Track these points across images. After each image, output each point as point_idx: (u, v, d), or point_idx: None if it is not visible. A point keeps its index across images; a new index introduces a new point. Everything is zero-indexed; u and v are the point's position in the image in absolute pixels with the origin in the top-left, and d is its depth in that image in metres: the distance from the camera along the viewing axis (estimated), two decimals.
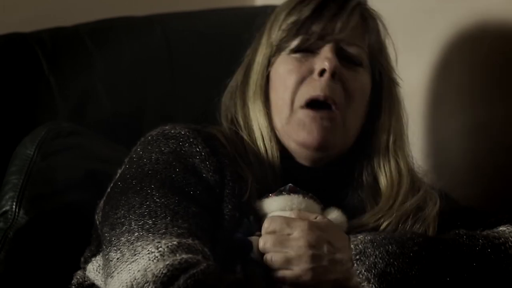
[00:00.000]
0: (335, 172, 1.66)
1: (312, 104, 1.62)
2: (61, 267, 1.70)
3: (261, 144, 1.65)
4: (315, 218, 1.51)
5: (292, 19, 1.65)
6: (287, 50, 1.65)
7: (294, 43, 1.64)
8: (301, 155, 1.64)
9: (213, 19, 2.16)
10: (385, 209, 1.61)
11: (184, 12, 2.15)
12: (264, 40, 1.69)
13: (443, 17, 1.98)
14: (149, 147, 1.58)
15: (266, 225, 1.50)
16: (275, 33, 1.67)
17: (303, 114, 1.62)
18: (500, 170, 1.94)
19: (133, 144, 1.66)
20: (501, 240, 1.55)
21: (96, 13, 2.06)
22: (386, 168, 1.66)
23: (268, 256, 1.47)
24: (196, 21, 2.13)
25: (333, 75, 1.61)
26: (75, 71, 1.95)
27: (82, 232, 1.70)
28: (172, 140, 1.58)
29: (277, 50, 1.66)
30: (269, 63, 1.67)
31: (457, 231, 1.55)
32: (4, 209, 1.75)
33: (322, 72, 1.61)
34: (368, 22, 1.68)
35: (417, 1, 2.06)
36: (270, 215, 1.54)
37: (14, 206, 1.74)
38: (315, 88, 1.61)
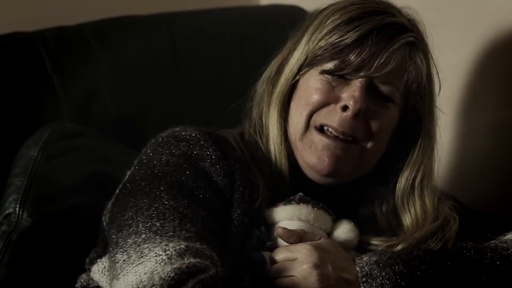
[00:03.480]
0: (346, 193, 1.63)
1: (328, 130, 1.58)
2: (64, 270, 1.69)
3: (273, 155, 1.62)
4: (319, 239, 1.49)
5: (333, 39, 1.57)
6: (320, 68, 1.58)
7: (328, 65, 1.57)
8: (311, 175, 1.60)
9: (218, 19, 2.15)
10: (403, 239, 1.58)
11: (189, 11, 2.14)
12: (302, 44, 1.62)
13: (464, 16, 1.97)
14: (160, 149, 1.57)
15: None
16: (313, 45, 1.59)
17: (317, 138, 1.57)
18: (493, 176, 1.94)
19: (137, 144, 1.65)
20: (509, 251, 1.53)
21: (100, 12, 2.05)
22: (410, 208, 1.61)
23: (276, 283, 1.45)
24: (201, 20, 2.12)
25: (357, 115, 1.55)
26: (79, 71, 1.94)
27: (86, 235, 1.69)
28: (183, 143, 1.56)
29: (310, 63, 1.60)
30: (299, 71, 1.61)
31: (464, 245, 1.52)
32: (7, 211, 1.74)
33: (345, 108, 1.56)
34: (414, 60, 1.60)
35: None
36: (278, 224, 1.52)
37: (17, 209, 1.73)
38: (333, 119, 1.56)
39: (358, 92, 1.55)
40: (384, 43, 1.56)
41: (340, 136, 1.56)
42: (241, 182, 1.54)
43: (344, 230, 1.55)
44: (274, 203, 1.55)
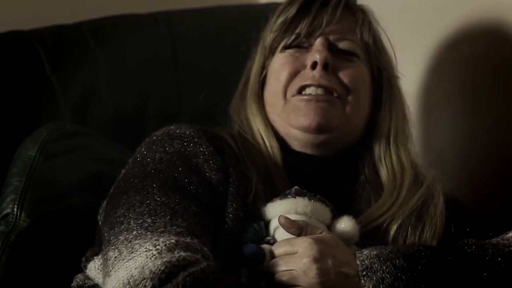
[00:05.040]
0: (339, 163, 1.65)
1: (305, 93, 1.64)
2: (62, 270, 1.68)
3: (260, 140, 1.66)
4: (320, 232, 1.48)
5: (280, 20, 1.70)
6: (279, 48, 1.69)
7: (284, 41, 1.69)
8: (303, 142, 1.65)
9: (218, 17, 2.15)
10: (390, 202, 1.61)
11: (188, 10, 2.13)
12: (260, 46, 1.74)
13: (461, 16, 1.97)
14: (154, 147, 1.57)
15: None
16: (268, 37, 1.72)
17: (297, 99, 1.64)
18: (494, 175, 1.92)
19: (137, 144, 1.64)
20: (511, 248, 1.51)
21: (99, 11, 2.04)
22: (387, 161, 1.67)
23: (276, 277, 1.43)
24: (200, 18, 2.12)
25: (326, 66, 1.64)
26: (77, 70, 1.93)
27: (84, 235, 1.68)
28: (177, 140, 1.57)
29: (270, 51, 1.71)
30: (264, 66, 1.72)
31: (465, 241, 1.51)
32: (5, 212, 1.73)
33: (314, 65, 1.64)
34: (357, 15, 1.71)
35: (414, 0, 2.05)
36: (275, 219, 1.51)
37: (15, 209, 1.72)
38: (307, 79, 1.64)
39: (320, 46, 1.65)
40: (324, 3, 1.69)
41: (319, 92, 1.63)
42: (236, 176, 1.55)
43: (344, 226, 1.53)
44: (271, 196, 1.55)
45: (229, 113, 1.76)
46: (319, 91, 1.63)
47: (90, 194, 1.74)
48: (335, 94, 1.64)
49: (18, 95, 1.85)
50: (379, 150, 1.68)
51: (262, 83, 1.72)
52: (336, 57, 1.66)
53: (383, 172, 1.66)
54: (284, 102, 1.66)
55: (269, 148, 1.64)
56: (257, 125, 1.68)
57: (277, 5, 2.03)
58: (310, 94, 1.63)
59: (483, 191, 1.93)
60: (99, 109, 1.93)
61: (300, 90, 1.65)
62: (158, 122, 1.88)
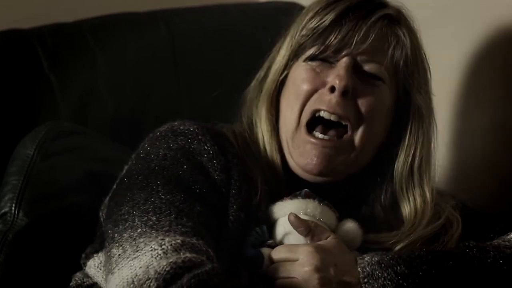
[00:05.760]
0: (343, 189, 1.61)
1: (319, 122, 1.58)
2: (61, 269, 1.67)
3: (262, 149, 1.62)
4: (327, 237, 1.47)
5: (312, 24, 1.60)
6: (303, 57, 1.61)
7: (311, 51, 1.60)
8: (303, 175, 1.60)
9: (217, 16, 2.14)
10: (405, 234, 1.57)
11: (188, 8, 2.12)
12: (287, 41, 1.65)
13: (462, 14, 1.96)
14: (157, 143, 1.56)
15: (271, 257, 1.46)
16: (296, 37, 1.62)
17: (305, 140, 1.58)
18: (495, 175, 1.91)
19: (136, 144, 1.63)
20: None
21: (98, 10, 2.03)
22: (410, 195, 1.61)
23: (277, 283, 1.43)
24: (200, 17, 2.11)
25: (344, 93, 1.56)
26: (76, 69, 1.92)
27: (82, 234, 1.68)
28: (181, 137, 1.56)
29: (295, 55, 1.62)
30: (286, 66, 1.64)
31: (466, 244, 1.50)
32: (3, 210, 1.73)
33: (333, 89, 1.56)
34: (396, 33, 1.61)
35: None
36: (283, 218, 1.50)
37: (13, 208, 1.72)
38: (323, 102, 1.57)
39: (343, 70, 1.56)
40: (361, 19, 1.58)
41: (332, 118, 1.56)
42: (238, 177, 1.53)
43: (348, 230, 1.53)
44: (272, 200, 1.53)
45: (230, 112, 1.71)
46: (333, 117, 1.56)
47: (89, 193, 1.74)
48: (347, 123, 1.57)
49: (16, 94, 1.84)
50: (401, 179, 1.61)
51: (281, 82, 1.64)
52: (359, 80, 1.57)
53: (405, 206, 1.61)
54: (296, 127, 1.59)
55: (271, 165, 1.60)
56: (263, 135, 1.63)
57: (276, 4, 2.01)
58: (317, 138, 1.56)
59: (480, 192, 1.91)
60: (99, 108, 1.93)
61: (313, 116, 1.57)
62: (157, 121, 1.87)
